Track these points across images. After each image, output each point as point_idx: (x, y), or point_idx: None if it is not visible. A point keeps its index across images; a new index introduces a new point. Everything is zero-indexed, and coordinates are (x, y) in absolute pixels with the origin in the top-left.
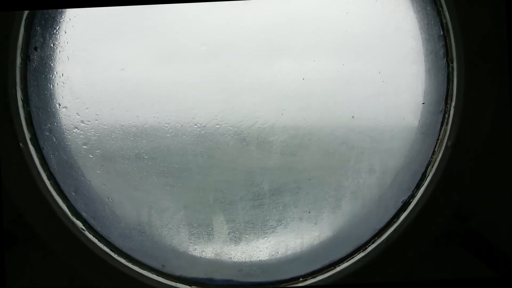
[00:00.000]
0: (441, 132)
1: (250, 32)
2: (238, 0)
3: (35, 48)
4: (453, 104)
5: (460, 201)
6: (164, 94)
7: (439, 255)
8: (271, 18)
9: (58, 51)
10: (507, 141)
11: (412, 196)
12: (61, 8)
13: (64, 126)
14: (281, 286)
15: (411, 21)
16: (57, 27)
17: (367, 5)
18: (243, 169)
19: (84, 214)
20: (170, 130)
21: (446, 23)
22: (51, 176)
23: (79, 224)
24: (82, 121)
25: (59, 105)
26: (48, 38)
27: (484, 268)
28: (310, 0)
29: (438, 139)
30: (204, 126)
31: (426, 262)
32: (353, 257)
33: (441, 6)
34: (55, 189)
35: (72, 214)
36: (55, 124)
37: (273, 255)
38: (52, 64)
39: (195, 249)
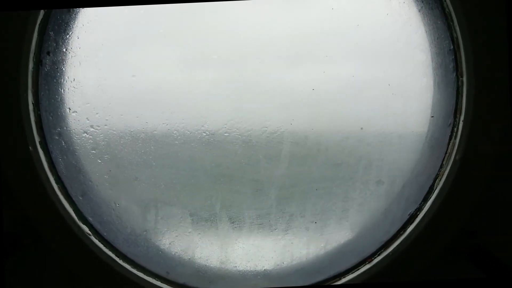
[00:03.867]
0: (450, 145)
1: (262, 43)
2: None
3: (48, 53)
4: (462, 118)
5: (467, 216)
6: (174, 101)
7: (445, 269)
8: (282, 30)
9: (70, 56)
10: None
11: (419, 209)
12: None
13: (73, 131)
14: None
15: (421, 34)
16: (70, 32)
17: (378, 18)
18: (251, 177)
19: (90, 219)
20: (179, 137)
21: (457, 38)
22: (59, 180)
23: (85, 228)
24: (91, 126)
25: (69, 109)
26: (61, 43)
27: (489, 284)
28: (320, 12)
29: (446, 153)
30: (213, 134)
31: (431, 275)
32: (359, 269)
33: (452, 21)
34: (62, 193)
35: (79, 219)
36: (65, 128)
37: (278, 264)
38: (64, 69)
39: (200, 256)
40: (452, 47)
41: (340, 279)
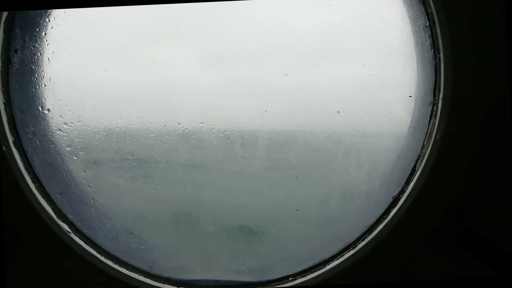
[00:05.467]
0: (430, 125)
1: (235, 38)
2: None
3: (16, 51)
4: (441, 96)
5: (452, 196)
6: (147, 94)
7: (433, 252)
8: (250, 20)
9: (39, 53)
10: (497, 132)
11: (402, 192)
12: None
13: (47, 129)
14: (270, 285)
15: (396, 12)
16: (37, 29)
17: None
18: (229, 168)
19: (70, 217)
20: (154, 130)
21: (432, 13)
22: (35, 179)
23: (65, 226)
24: (65, 123)
25: (42, 107)
26: (28, 41)
27: (478, 266)
28: None
29: (427, 133)
30: (188, 125)
31: (418, 259)
32: (343, 255)
33: None
34: (40, 192)
35: (58, 217)
36: (39, 126)
37: (262, 254)
38: (33, 67)
39: (183, 249)
40: (427, 23)
41: (325, 266)
